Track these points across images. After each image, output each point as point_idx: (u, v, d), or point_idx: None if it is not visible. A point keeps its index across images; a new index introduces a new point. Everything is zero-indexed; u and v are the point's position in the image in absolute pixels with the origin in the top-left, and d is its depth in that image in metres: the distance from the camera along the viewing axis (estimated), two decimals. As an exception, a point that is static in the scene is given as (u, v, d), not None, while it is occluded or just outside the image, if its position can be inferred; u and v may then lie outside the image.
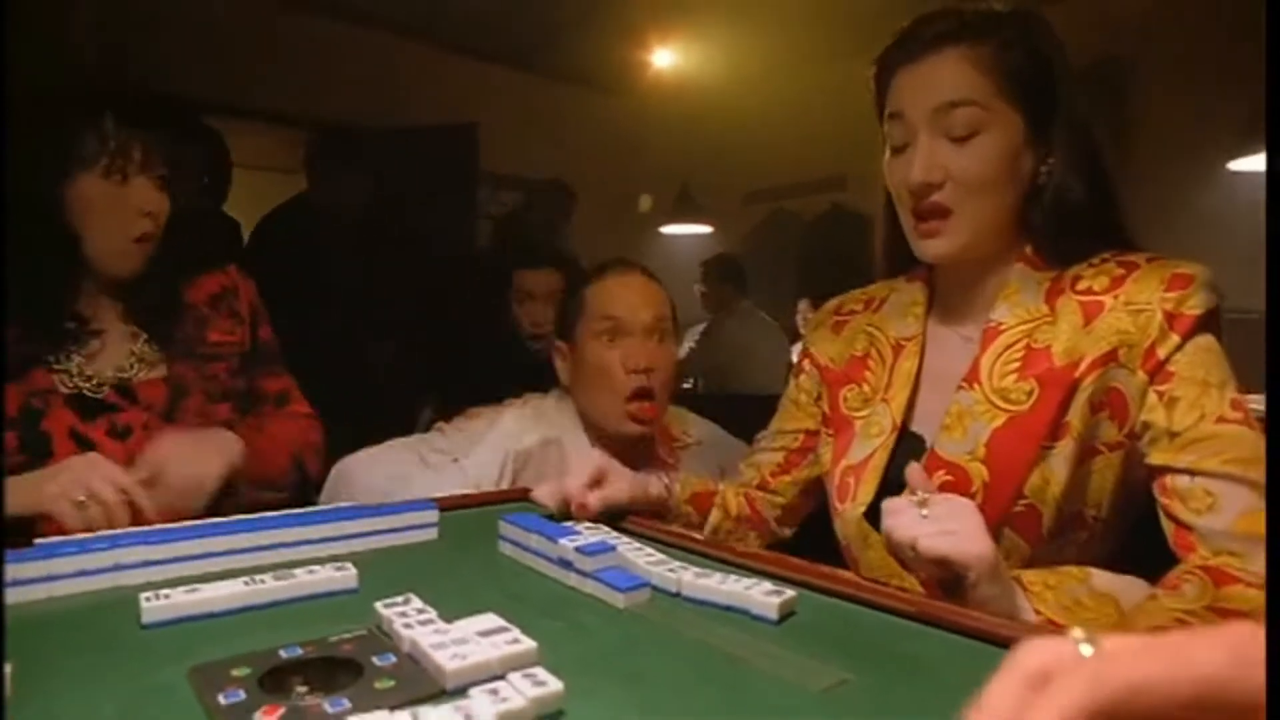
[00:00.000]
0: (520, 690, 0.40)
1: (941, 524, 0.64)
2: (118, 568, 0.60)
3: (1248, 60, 3.17)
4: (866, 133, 0.95)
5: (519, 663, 0.44)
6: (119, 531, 0.65)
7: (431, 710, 0.38)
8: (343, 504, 0.78)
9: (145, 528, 0.66)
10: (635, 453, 1.16)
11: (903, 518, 0.65)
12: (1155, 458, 0.72)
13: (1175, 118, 3.44)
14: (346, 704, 0.41)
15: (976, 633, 0.52)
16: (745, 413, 1.30)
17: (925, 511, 0.65)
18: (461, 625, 0.48)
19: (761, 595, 0.55)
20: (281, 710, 0.40)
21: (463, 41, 4.14)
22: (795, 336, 4.50)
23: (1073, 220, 0.79)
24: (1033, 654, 0.26)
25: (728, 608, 0.56)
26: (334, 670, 0.46)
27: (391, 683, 0.43)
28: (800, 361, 0.99)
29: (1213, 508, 0.69)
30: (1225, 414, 0.70)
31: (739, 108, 4.74)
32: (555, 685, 0.41)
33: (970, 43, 0.77)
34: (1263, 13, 0.58)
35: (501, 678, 0.42)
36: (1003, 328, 0.79)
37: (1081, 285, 0.78)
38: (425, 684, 0.43)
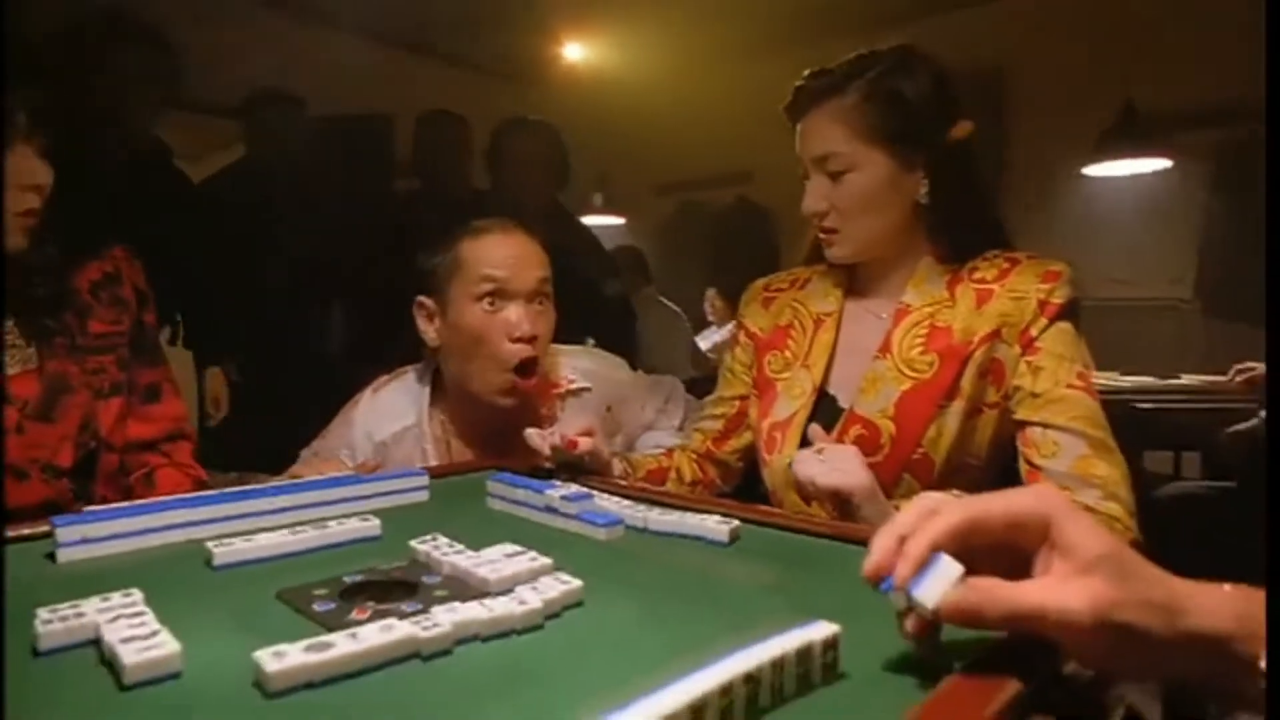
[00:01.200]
0: (551, 587, 0.54)
1: (833, 465, 0.83)
2: (167, 527, 0.71)
3: (1104, 75, 3.52)
4: (771, 131, 1.14)
5: (542, 573, 0.58)
6: (157, 500, 0.75)
7: (492, 600, 0.52)
8: (343, 474, 0.90)
9: (185, 495, 0.76)
10: (510, 415, 1.13)
11: (807, 464, 0.86)
12: (1020, 414, 0.93)
13: (1044, 127, 3.80)
14: (419, 605, 0.54)
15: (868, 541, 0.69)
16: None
17: (822, 458, 0.85)
18: (486, 552, 0.62)
19: (714, 524, 0.71)
20: (370, 610, 0.53)
21: (373, 28, 4.14)
22: (702, 324, 4.72)
23: (955, 226, 1.00)
24: (930, 498, 0.43)
25: (687, 536, 0.72)
26: (394, 588, 0.58)
27: (445, 592, 0.57)
28: (736, 334, 1.17)
29: (1056, 454, 0.89)
30: (1073, 382, 0.91)
31: (651, 102, 4.88)
32: (577, 583, 0.55)
33: (836, 102, 0.97)
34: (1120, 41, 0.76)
35: (532, 583, 0.56)
36: (911, 309, 0.99)
37: (976, 275, 0.98)
38: (474, 590, 0.56)
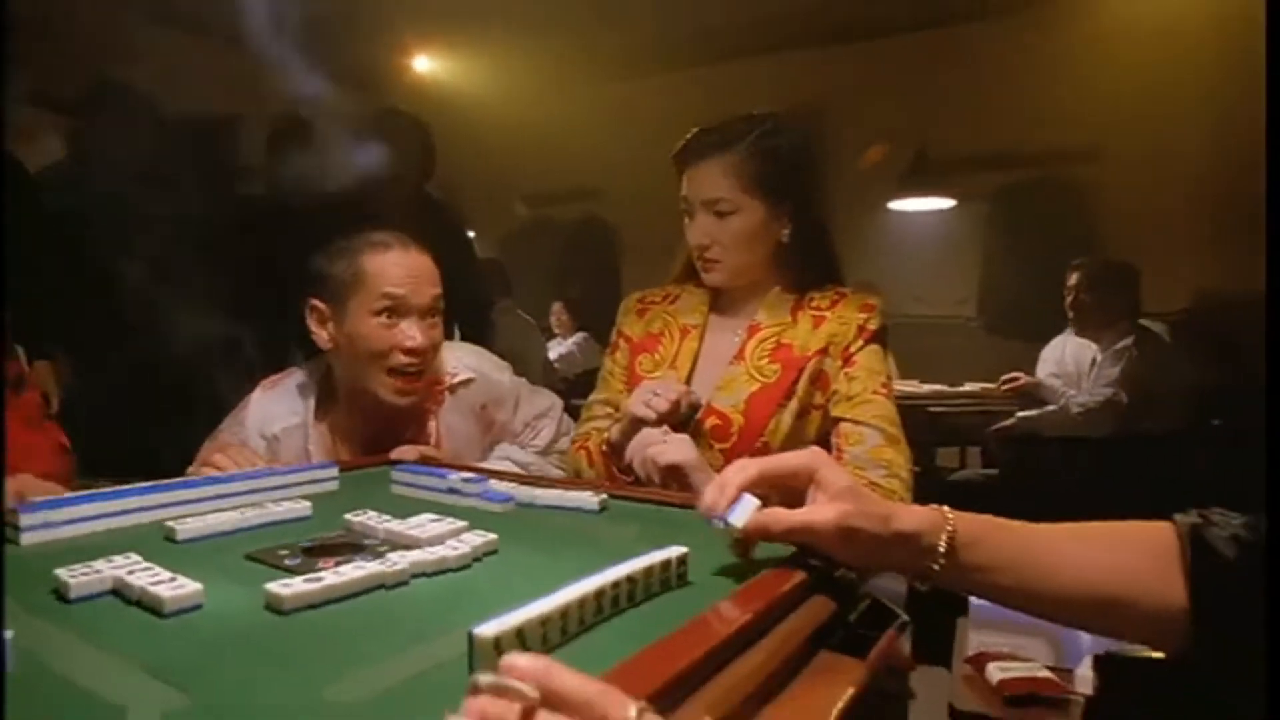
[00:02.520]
0: (473, 539, 0.72)
1: (670, 446, 1.05)
2: (116, 514, 0.82)
3: (907, 121, 4.01)
4: (618, 152, 1.38)
5: (461, 532, 0.75)
6: (118, 488, 0.85)
7: (433, 547, 0.68)
8: (264, 468, 1.02)
9: (135, 485, 0.86)
10: (396, 412, 1.25)
11: (651, 446, 1.09)
12: (836, 412, 1.20)
13: (856, 163, 4.27)
14: (370, 558, 0.69)
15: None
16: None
17: (665, 441, 1.07)
18: (411, 520, 0.78)
19: (587, 497, 0.90)
20: (332, 562, 0.68)
21: (224, 30, 4.04)
22: (550, 335, 4.90)
23: (803, 263, 1.28)
24: (740, 460, 0.64)
25: (566, 507, 0.90)
26: (343, 548, 0.73)
27: (386, 548, 0.72)
28: (615, 340, 1.37)
29: (859, 443, 1.16)
30: (878, 390, 1.20)
31: (499, 118, 5.01)
32: (492, 535, 0.73)
33: (726, 155, 1.21)
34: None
35: (456, 538, 0.73)
36: (762, 326, 1.25)
37: (813, 304, 1.26)
38: (410, 545, 0.73)
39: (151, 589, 0.58)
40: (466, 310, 2.56)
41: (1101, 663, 0.75)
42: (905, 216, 3.95)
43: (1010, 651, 1.16)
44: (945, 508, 0.66)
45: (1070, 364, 3.02)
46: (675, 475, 1.07)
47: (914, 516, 0.64)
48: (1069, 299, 3.07)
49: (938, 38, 4.24)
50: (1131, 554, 0.66)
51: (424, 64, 5.08)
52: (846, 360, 1.21)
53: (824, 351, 1.21)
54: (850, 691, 0.54)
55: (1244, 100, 3.58)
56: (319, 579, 0.60)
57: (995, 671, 1.10)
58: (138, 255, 2.37)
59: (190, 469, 1.13)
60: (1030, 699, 1.02)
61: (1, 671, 0.44)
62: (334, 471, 1.01)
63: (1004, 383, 3.16)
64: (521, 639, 0.48)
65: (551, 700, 0.35)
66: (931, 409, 3.16)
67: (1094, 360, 3.01)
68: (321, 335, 1.26)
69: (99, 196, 2.29)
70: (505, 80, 4.80)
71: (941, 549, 0.64)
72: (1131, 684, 0.73)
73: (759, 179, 1.22)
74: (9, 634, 0.47)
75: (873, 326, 1.22)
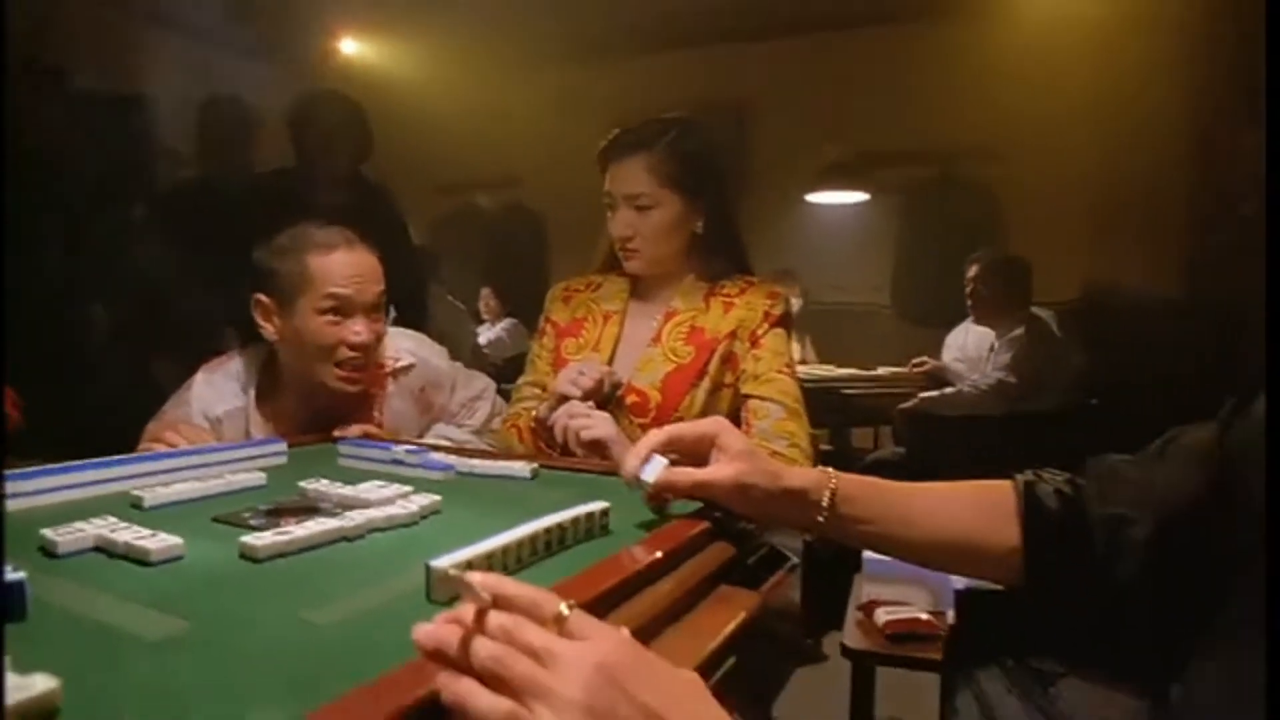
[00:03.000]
0: (419, 500, 0.81)
1: (594, 422, 1.16)
2: (78, 485, 0.88)
3: (825, 116, 4.19)
4: (542, 141, 1.48)
5: (408, 495, 0.84)
6: (82, 462, 0.91)
7: (384, 507, 0.77)
8: (216, 443, 1.08)
9: (97, 459, 0.92)
10: (338, 399, 1.32)
11: (575, 419, 1.19)
12: (744, 389, 1.32)
13: (779, 157, 4.44)
14: (329, 517, 0.78)
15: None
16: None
17: (589, 417, 1.18)
18: (360, 486, 0.87)
19: (520, 467, 1.00)
20: (294, 522, 0.77)
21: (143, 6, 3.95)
22: (479, 320, 4.94)
23: (715, 254, 1.40)
24: (654, 429, 0.75)
25: (501, 475, 1.00)
26: (301, 510, 0.82)
27: (341, 510, 0.81)
28: (543, 325, 1.46)
29: (765, 417, 1.28)
30: (781, 369, 1.32)
31: (426, 104, 4.99)
32: (436, 497, 0.82)
33: (646, 154, 1.32)
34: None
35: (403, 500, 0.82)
36: (678, 312, 1.37)
37: (724, 291, 1.38)
38: (362, 506, 0.82)
39: (136, 543, 0.66)
40: (403, 294, 2.60)
41: (959, 597, 0.89)
42: (823, 209, 4.13)
43: (895, 599, 1.31)
44: (830, 469, 0.79)
45: (971, 349, 3.24)
46: (597, 449, 1.18)
47: (801, 475, 0.77)
48: (968, 290, 3.30)
49: (858, 37, 4.43)
50: (977, 506, 0.79)
51: (351, 47, 5.03)
52: (754, 343, 1.33)
53: (733, 335, 1.33)
54: (743, 615, 0.65)
55: (1130, 108, 3.89)
56: (287, 532, 0.69)
57: (882, 615, 1.25)
58: (56, 236, 2.35)
59: (140, 446, 1.18)
60: (909, 636, 1.18)
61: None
62: (283, 446, 1.08)
63: (913, 366, 3.37)
64: (469, 570, 0.57)
65: (500, 603, 0.45)
66: (846, 391, 3.34)
67: (992, 346, 3.24)
68: (268, 328, 1.31)
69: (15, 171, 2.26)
70: (431, 66, 4.80)
71: (825, 504, 0.76)
72: (982, 614, 0.87)
73: (675, 176, 1.34)
74: (22, 574, 0.55)
75: (777, 312, 1.35)
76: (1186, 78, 3.80)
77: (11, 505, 0.82)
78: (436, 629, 0.44)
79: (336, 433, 1.24)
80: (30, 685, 0.40)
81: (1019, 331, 3.14)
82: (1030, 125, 4.14)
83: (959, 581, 0.93)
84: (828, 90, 4.37)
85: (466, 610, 0.45)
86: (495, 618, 0.45)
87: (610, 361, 1.37)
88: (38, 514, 0.81)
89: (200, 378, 1.35)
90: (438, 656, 0.44)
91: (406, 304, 2.74)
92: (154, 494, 0.84)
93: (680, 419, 1.30)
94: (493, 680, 0.42)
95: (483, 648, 0.43)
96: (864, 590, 1.34)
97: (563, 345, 1.42)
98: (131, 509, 0.83)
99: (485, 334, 4.65)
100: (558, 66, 4.77)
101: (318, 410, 1.34)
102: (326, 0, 4.24)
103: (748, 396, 1.32)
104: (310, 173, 2.51)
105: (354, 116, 2.57)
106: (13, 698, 0.39)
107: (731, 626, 0.63)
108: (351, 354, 1.28)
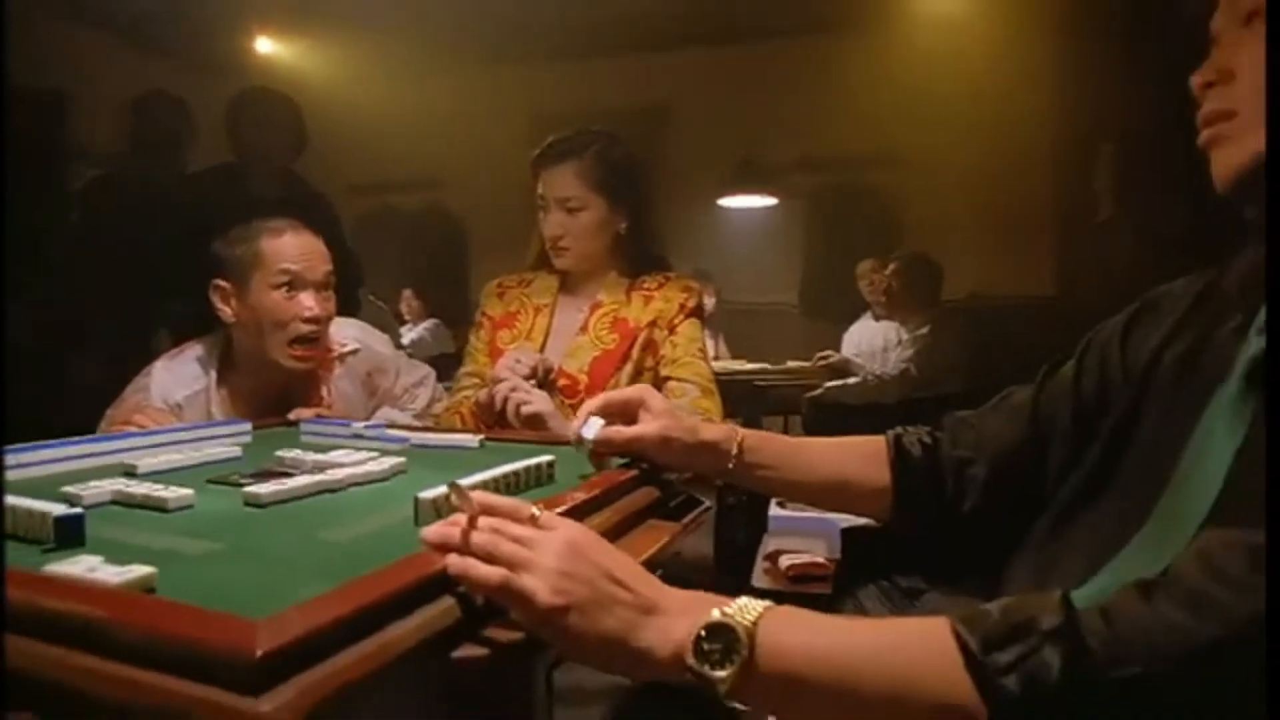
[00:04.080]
0: (387, 461, 0.94)
1: (533, 398, 1.30)
2: (78, 456, 0.98)
3: (739, 123, 4.42)
4: (465, 143, 1.61)
5: (375, 458, 0.97)
6: (72, 439, 1.00)
7: (358, 467, 0.90)
8: (184, 423, 1.18)
9: (80, 437, 1.02)
10: (293, 378, 1.45)
11: (515, 393, 1.32)
12: (664, 372, 1.49)
13: (695, 161, 4.65)
14: (312, 475, 0.90)
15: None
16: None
17: (529, 393, 1.32)
18: (331, 454, 0.99)
19: (469, 438, 1.14)
20: (280, 480, 0.89)
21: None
22: (402, 321, 4.99)
23: (638, 254, 1.56)
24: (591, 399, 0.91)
25: (452, 446, 1.14)
26: (285, 473, 0.93)
27: (318, 471, 0.93)
28: (479, 319, 1.59)
29: (682, 396, 1.45)
30: (695, 354, 1.49)
31: (348, 103, 4.96)
32: (400, 459, 0.96)
33: (576, 161, 1.48)
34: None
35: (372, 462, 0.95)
36: (603, 304, 1.53)
37: (644, 285, 1.54)
38: (337, 469, 0.94)
39: (153, 493, 0.77)
40: (339, 291, 2.66)
41: (843, 534, 1.07)
42: (735, 213, 4.36)
43: (796, 549, 1.51)
44: (737, 425, 0.96)
45: (866, 345, 3.51)
46: (535, 423, 1.32)
47: (714, 430, 0.93)
48: (883, 286, 3.57)
49: (769, 50, 4.68)
50: (856, 454, 0.98)
51: (267, 46, 5.00)
52: (671, 331, 1.50)
53: (653, 324, 1.50)
54: (667, 537, 0.81)
55: (1007, 123, 4.23)
56: (284, 483, 0.81)
57: (784, 560, 1.45)
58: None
59: (101, 428, 1.26)
60: (808, 577, 1.37)
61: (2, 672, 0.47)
62: (247, 427, 1.19)
63: (818, 359, 3.62)
64: (446, 503, 0.72)
65: (486, 510, 0.60)
66: (757, 383, 3.56)
67: (896, 340, 3.53)
68: (226, 310, 1.42)
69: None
70: (348, 66, 4.81)
71: (733, 453, 0.93)
72: (861, 545, 1.06)
73: (602, 182, 1.50)
74: (80, 509, 0.66)
75: (691, 304, 1.52)
76: (1053, 97, 4.19)
77: (13, 475, 0.91)
78: (440, 528, 0.59)
79: (291, 415, 1.35)
80: (130, 571, 0.53)
81: (924, 330, 3.43)
82: (923, 135, 4.46)
83: (844, 522, 1.11)
84: (740, 99, 4.60)
85: (461, 516, 0.59)
86: (484, 519, 0.59)
87: (542, 349, 1.51)
88: (39, 482, 0.90)
89: (160, 364, 1.44)
90: (442, 548, 0.58)
91: (343, 302, 2.79)
92: (146, 463, 0.94)
93: None
94: (486, 560, 0.56)
95: (477, 537, 0.57)
96: (770, 544, 1.53)
97: (498, 336, 1.56)
98: (125, 476, 0.93)
99: (408, 334, 4.71)
100: (478, 70, 4.86)
101: (272, 390, 1.45)
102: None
103: (667, 378, 1.48)
104: (246, 168, 2.54)
105: (289, 111, 2.61)
106: (119, 579, 0.52)
107: (658, 545, 0.79)
108: (305, 328, 1.39)
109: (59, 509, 0.65)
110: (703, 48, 4.72)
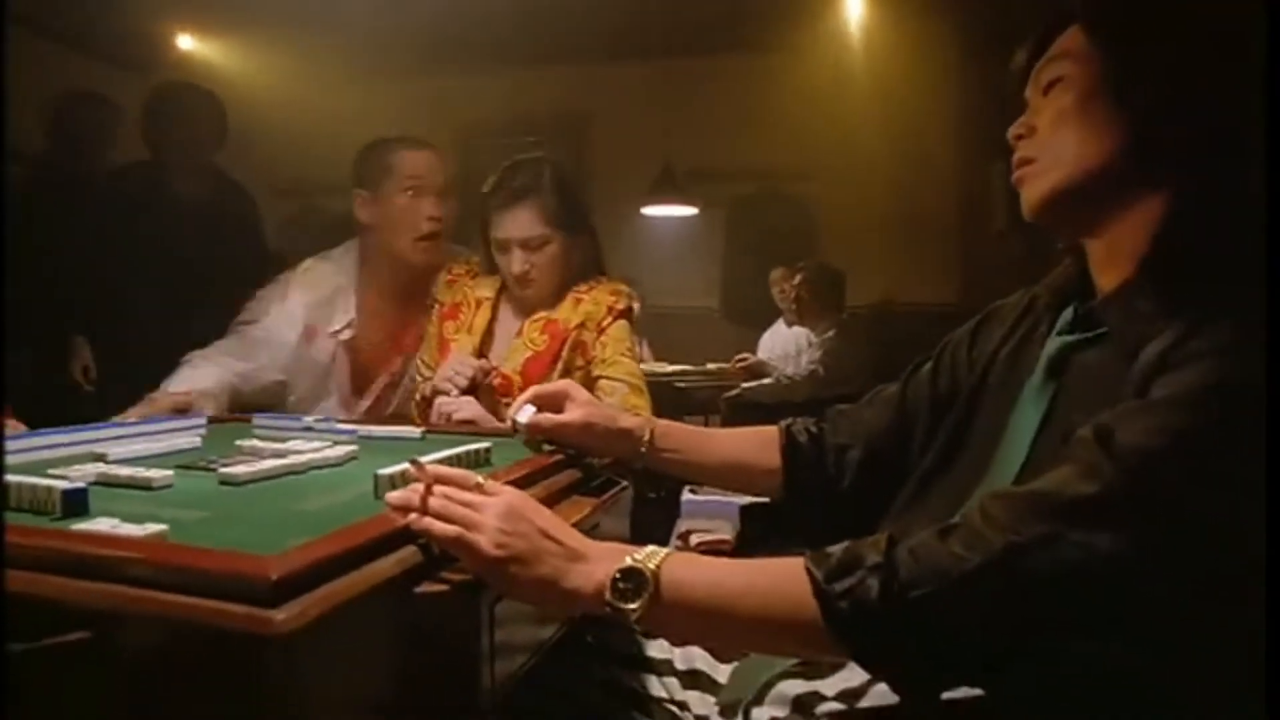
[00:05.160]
0: (342, 449, 1.06)
1: (462, 406, 1.43)
2: (47, 446, 1.06)
3: (660, 131, 4.59)
4: None
5: (330, 445, 1.09)
6: (43, 430, 1.09)
7: (323, 450, 1.02)
8: (135, 420, 1.27)
9: (54, 429, 1.10)
10: (417, 274, 1.80)
11: (448, 405, 1.45)
12: (595, 372, 1.61)
13: (618, 170, 4.80)
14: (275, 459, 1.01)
15: (501, 432, 1.30)
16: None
17: (456, 401, 1.45)
18: (288, 444, 1.10)
19: (412, 429, 1.26)
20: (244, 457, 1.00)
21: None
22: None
23: (580, 265, 1.66)
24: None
25: (397, 437, 1.26)
26: (248, 459, 1.04)
27: (282, 457, 1.05)
28: (432, 303, 1.71)
29: (612, 394, 1.58)
30: (624, 353, 1.62)
31: (274, 102, 4.92)
32: (353, 446, 1.08)
33: (534, 199, 1.57)
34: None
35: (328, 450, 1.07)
36: (538, 310, 1.63)
37: (577, 290, 1.65)
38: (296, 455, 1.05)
39: (137, 474, 0.88)
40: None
41: (742, 510, 1.24)
42: (657, 221, 4.54)
43: (705, 529, 1.68)
44: (651, 416, 1.11)
45: (779, 349, 3.74)
46: (468, 427, 1.44)
47: (630, 419, 1.08)
48: (792, 295, 3.79)
49: (690, 64, 4.87)
50: (752, 441, 1.14)
51: (193, 45, 4.95)
52: (600, 332, 1.62)
53: (582, 325, 1.62)
54: (588, 509, 0.96)
55: (927, 137, 4.53)
56: (255, 464, 0.93)
57: (694, 539, 1.62)
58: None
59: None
60: (714, 552, 1.54)
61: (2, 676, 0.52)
62: (204, 420, 1.29)
63: (736, 362, 3.82)
64: (404, 479, 0.85)
65: (439, 480, 0.73)
66: (678, 385, 3.74)
67: (807, 343, 3.76)
68: (363, 213, 1.78)
69: None
70: (277, 69, 4.79)
71: (646, 439, 1.08)
72: (756, 519, 1.23)
73: (560, 215, 1.59)
74: (83, 483, 0.77)
75: (620, 306, 1.65)
76: (954, 115, 4.50)
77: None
78: (402, 493, 0.72)
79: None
80: (147, 528, 0.65)
81: (830, 334, 3.67)
82: (837, 149, 4.72)
83: (743, 503, 1.28)
84: (661, 112, 4.78)
85: (419, 485, 0.73)
86: (438, 487, 0.73)
87: (481, 344, 1.64)
88: (14, 470, 0.99)
89: (300, 268, 1.79)
90: (404, 510, 0.71)
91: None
92: (116, 451, 1.04)
93: None
94: (441, 520, 0.70)
95: (433, 502, 0.71)
96: (682, 525, 1.70)
97: (445, 328, 1.68)
98: (96, 463, 1.03)
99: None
100: (405, 75, 4.91)
101: (397, 285, 1.78)
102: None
103: (598, 378, 1.61)
104: (168, 164, 2.55)
105: (210, 105, 2.64)
106: (142, 533, 0.64)
107: (579, 516, 0.93)
108: (427, 226, 1.73)
109: (64, 484, 0.76)
110: (626, 61, 4.88)
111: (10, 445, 1.03)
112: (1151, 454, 0.63)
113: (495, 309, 1.70)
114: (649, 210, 4.23)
